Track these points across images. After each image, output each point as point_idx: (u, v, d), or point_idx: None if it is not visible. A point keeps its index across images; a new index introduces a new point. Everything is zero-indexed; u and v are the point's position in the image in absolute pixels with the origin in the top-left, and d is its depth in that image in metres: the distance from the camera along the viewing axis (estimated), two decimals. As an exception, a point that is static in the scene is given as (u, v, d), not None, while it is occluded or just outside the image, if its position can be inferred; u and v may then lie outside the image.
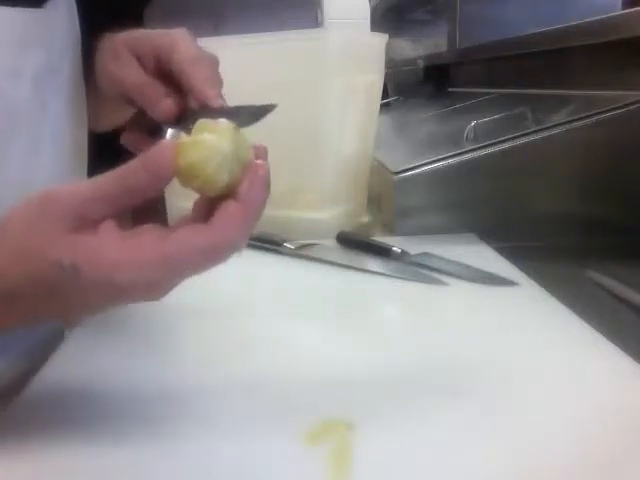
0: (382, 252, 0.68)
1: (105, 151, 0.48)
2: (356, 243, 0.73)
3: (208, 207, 0.32)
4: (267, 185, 0.32)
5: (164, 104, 0.40)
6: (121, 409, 0.39)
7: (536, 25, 1.08)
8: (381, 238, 0.75)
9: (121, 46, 0.42)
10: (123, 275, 0.30)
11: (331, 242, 0.74)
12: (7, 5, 0.37)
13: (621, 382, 0.42)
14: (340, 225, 0.77)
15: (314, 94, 0.75)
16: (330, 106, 0.76)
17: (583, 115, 0.74)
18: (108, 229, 0.31)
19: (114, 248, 0.30)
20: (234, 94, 0.78)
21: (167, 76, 0.41)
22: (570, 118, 0.75)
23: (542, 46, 1.04)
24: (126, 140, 0.43)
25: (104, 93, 0.45)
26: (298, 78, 0.75)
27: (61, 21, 0.42)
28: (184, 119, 0.40)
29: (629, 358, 0.44)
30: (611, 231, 0.74)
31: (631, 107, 0.73)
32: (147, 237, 0.31)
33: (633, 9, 0.78)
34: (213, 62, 0.41)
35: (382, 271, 0.64)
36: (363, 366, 0.45)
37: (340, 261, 0.68)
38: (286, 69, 0.76)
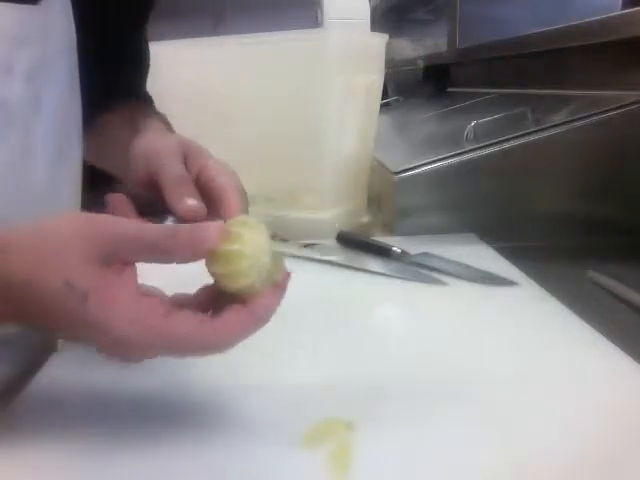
0: (382, 252, 0.68)
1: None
2: (356, 243, 0.73)
3: (215, 295, 0.34)
4: (279, 304, 0.34)
5: (189, 202, 0.40)
6: (120, 409, 0.39)
7: (536, 25, 1.08)
8: (381, 238, 0.75)
9: (174, 141, 0.44)
10: (122, 328, 0.31)
11: (331, 242, 0.74)
12: (1, 2, 0.37)
13: (621, 382, 0.42)
14: (340, 225, 0.78)
15: (314, 94, 0.75)
16: (330, 106, 0.76)
17: (583, 115, 0.74)
18: (131, 277, 0.32)
19: (127, 300, 0.31)
20: (234, 94, 0.78)
21: (201, 190, 0.42)
22: (570, 118, 0.75)
23: (542, 46, 1.04)
24: (114, 203, 0.42)
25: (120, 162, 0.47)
26: (298, 78, 0.75)
27: (56, 19, 0.42)
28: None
29: (629, 358, 0.44)
30: (611, 231, 0.74)
31: (631, 107, 0.73)
32: (157, 303, 0.32)
33: (633, 9, 0.78)
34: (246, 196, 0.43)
35: (382, 271, 0.64)
36: (363, 366, 0.45)
37: (340, 261, 0.68)
38: (286, 69, 0.76)
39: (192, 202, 0.39)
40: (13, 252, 0.32)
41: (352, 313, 0.55)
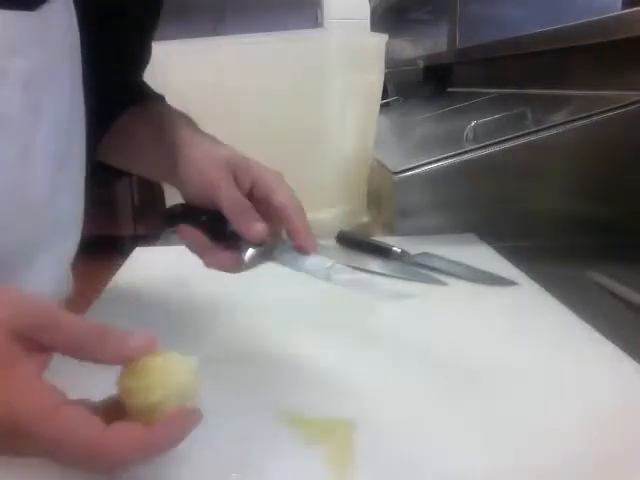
0: (382, 252, 0.68)
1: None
2: (356, 243, 0.73)
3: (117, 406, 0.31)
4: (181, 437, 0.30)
5: (261, 227, 0.43)
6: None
7: (536, 25, 1.08)
8: (381, 238, 0.75)
9: (219, 157, 0.46)
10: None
11: (331, 242, 0.74)
12: None
13: (621, 382, 0.42)
14: (340, 225, 0.77)
15: (314, 94, 0.75)
16: (330, 106, 0.76)
17: (583, 115, 0.75)
18: (39, 361, 0.29)
19: (23, 379, 0.28)
20: (234, 94, 0.78)
21: (257, 202, 0.44)
22: (570, 118, 0.75)
23: (542, 46, 1.04)
24: (185, 236, 0.45)
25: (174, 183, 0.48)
26: (298, 78, 0.75)
27: (56, 25, 0.41)
28: (265, 243, 0.43)
29: (629, 358, 0.44)
30: (611, 231, 0.74)
31: (631, 107, 0.73)
32: (52, 390, 0.29)
33: (633, 9, 0.78)
34: (303, 209, 0.45)
35: (382, 271, 0.64)
36: (363, 366, 0.45)
37: (340, 261, 0.67)
38: (286, 69, 0.76)
39: (258, 228, 0.42)
40: None
41: (352, 313, 0.55)
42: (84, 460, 0.28)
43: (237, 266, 0.45)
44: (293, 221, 0.43)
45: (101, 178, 0.48)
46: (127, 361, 0.30)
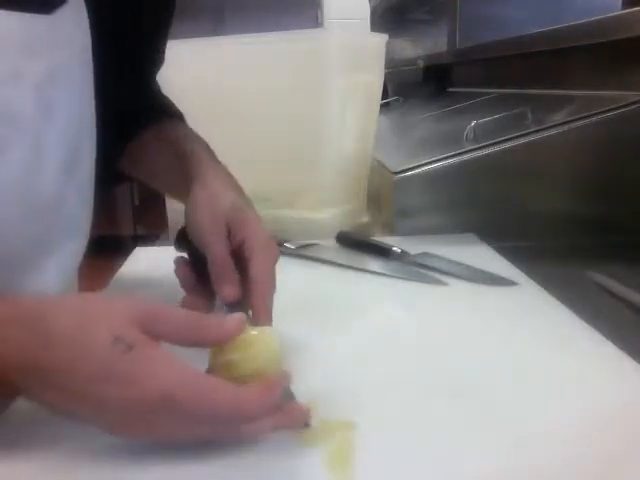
0: (382, 252, 0.68)
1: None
2: (356, 243, 0.73)
3: None
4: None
5: (232, 290, 0.45)
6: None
7: (536, 25, 1.08)
8: (381, 238, 0.75)
9: (220, 214, 0.48)
10: (164, 383, 0.32)
11: (331, 242, 0.74)
12: (15, 10, 0.37)
13: (621, 382, 0.42)
14: (340, 225, 0.77)
15: (314, 94, 0.75)
16: (330, 106, 0.76)
17: (583, 115, 0.75)
18: (166, 349, 0.34)
19: (170, 360, 0.33)
20: (234, 94, 0.78)
21: (241, 257, 0.47)
22: (570, 118, 0.75)
23: (542, 46, 1.04)
24: (179, 272, 0.49)
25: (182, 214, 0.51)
26: (298, 78, 0.75)
27: (68, 29, 0.41)
28: (241, 302, 0.46)
29: (629, 358, 0.44)
30: (611, 231, 0.74)
31: (631, 107, 0.73)
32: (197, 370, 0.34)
33: (633, 9, 0.78)
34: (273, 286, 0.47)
35: (382, 271, 0.64)
36: (363, 366, 0.45)
37: (340, 261, 0.68)
38: (286, 69, 0.76)
39: (228, 292, 0.45)
40: (59, 315, 0.33)
41: (352, 313, 0.55)
42: (226, 415, 0.33)
43: (207, 310, 0.48)
44: (256, 297, 0.45)
45: (105, 181, 0.49)
46: (227, 340, 0.36)
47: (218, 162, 0.54)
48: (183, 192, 0.52)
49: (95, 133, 0.46)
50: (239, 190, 0.52)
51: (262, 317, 0.44)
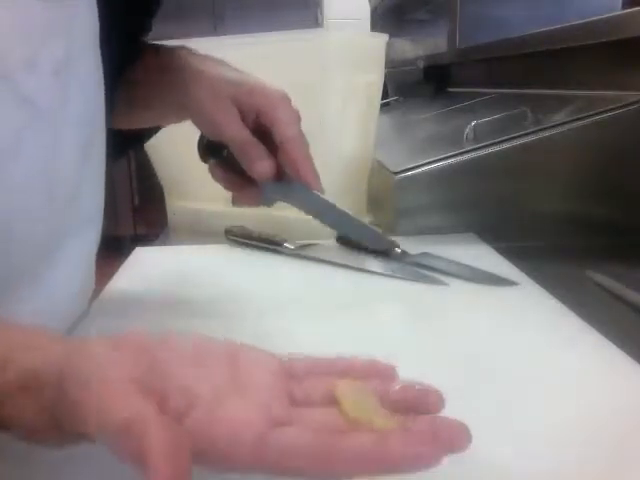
0: (382, 252, 0.68)
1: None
2: (356, 243, 0.73)
3: None
4: None
5: (264, 164, 0.43)
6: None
7: (536, 25, 1.08)
8: (381, 238, 0.75)
9: (222, 92, 0.45)
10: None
11: (331, 242, 0.74)
12: None
13: (621, 382, 0.42)
14: (340, 225, 0.77)
15: (314, 94, 0.75)
16: (330, 106, 0.76)
17: (583, 115, 0.74)
18: None
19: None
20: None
21: (264, 132, 0.44)
22: (570, 118, 0.75)
23: (542, 46, 1.04)
24: (217, 176, 0.46)
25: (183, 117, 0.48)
26: (298, 78, 0.75)
27: (82, 14, 0.41)
28: (280, 178, 0.43)
29: (629, 358, 0.44)
30: (611, 231, 0.74)
31: (631, 107, 0.73)
32: None
33: (633, 9, 0.78)
34: (303, 139, 0.45)
35: (382, 271, 0.64)
36: (363, 366, 0.45)
37: (340, 261, 0.68)
38: (286, 69, 0.75)
39: (261, 166, 0.42)
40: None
41: (352, 314, 0.55)
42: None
43: (258, 202, 0.46)
44: (293, 152, 0.43)
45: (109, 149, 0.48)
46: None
47: (205, 57, 0.52)
48: (179, 107, 0.48)
49: (105, 122, 0.46)
50: (232, 67, 0.49)
51: (307, 174, 0.42)
